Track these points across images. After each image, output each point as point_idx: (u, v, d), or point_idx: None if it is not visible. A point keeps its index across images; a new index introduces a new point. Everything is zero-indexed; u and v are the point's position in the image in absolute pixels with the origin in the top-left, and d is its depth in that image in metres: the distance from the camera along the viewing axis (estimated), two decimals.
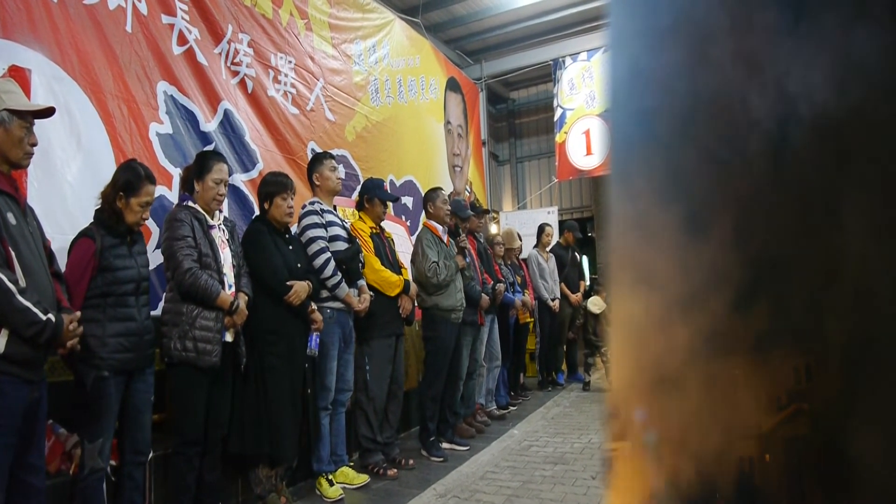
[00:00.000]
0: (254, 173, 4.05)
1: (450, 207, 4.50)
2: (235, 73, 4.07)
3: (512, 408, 5.62)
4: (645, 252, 0.48)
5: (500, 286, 5.13)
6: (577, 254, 7.14)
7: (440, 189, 4.56)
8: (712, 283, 0.43)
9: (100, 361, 2.32)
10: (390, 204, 4.33)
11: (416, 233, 4.70)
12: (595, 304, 6.44)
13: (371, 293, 3.66)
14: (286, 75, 4.50)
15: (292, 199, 3.20)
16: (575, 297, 6.74)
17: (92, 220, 2.47)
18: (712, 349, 0.43)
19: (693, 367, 0.44)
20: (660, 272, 0.47)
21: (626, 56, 0.50)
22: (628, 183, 0.50)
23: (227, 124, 3.93)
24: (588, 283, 7.24)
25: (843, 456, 0.36)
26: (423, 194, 4.72)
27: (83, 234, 2.41)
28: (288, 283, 3.04)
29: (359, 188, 4.33)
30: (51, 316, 1.93)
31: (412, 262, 4.31)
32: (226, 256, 2.83)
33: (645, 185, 0.48)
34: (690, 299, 0.44)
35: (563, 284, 6.69)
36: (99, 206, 2.47)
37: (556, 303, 6.41)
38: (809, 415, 0.37)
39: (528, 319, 6.37)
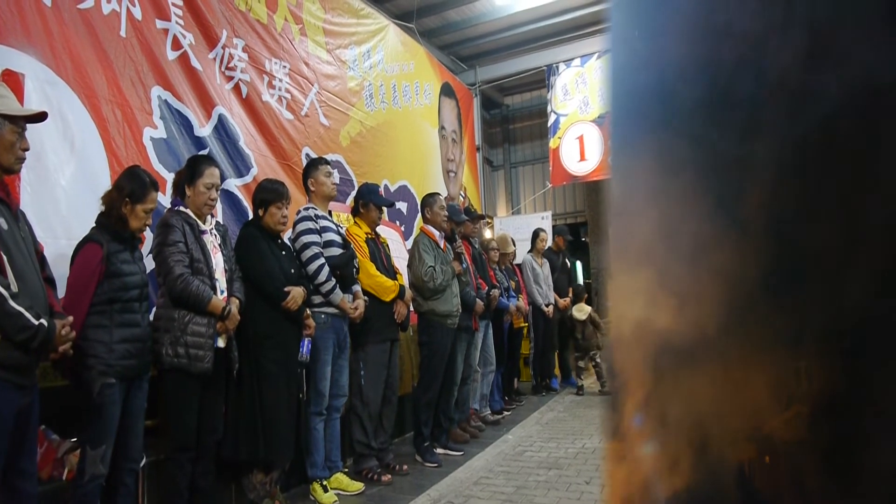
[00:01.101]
0: (248, 178, 4.05)
1: (447, 213, 4.51)
2: (230, 79, 4.06)
3: (506, 413, 5.61)
4: (646, 243, 0.48)
5: (495, 291, 5.13)
6: (567, 259, 7.16)
7: (437, 194, 4.56)
8: (721, 274, 0.42)
9: (107, 368, 2.31)
10: (385, 209, 4.33)
11: (412, 237, 4.69)
12: (580, 311, 6.47)
13: (366, 298, 3.66)
14: (281, 80, 4.50)
15: (287, 208, 3.19)
16: (563, 302, 6.76)
17: (93, 226, 2.45)
18: (723, 342, 0.42)
19: (701, 362, 0.44)
20: (662, 262, 0.47)
21: (629, 45, 0.50)
22: (629, 171, 0.50)
23: (222, 129, 3.93)
24: (578, 288, 7.23)
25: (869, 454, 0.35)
26: (417, 199, 4.71)
27: (89, 240, 2.39)
28: (285, 288, 3.04)
29: (354, 193, 4.32)
30: (43, 321, 1.92)
31: (409, 266, 4.30)
32: (217, 261, 2.82)
33: (647, 172, 0.48)
34: (698, 291, 0.44)
35: None
36: (103, 211, 2.45)
37: (551, 308, 6.41)
38: (828, 412, 0.37)
39: (523, 324, 6.37)
